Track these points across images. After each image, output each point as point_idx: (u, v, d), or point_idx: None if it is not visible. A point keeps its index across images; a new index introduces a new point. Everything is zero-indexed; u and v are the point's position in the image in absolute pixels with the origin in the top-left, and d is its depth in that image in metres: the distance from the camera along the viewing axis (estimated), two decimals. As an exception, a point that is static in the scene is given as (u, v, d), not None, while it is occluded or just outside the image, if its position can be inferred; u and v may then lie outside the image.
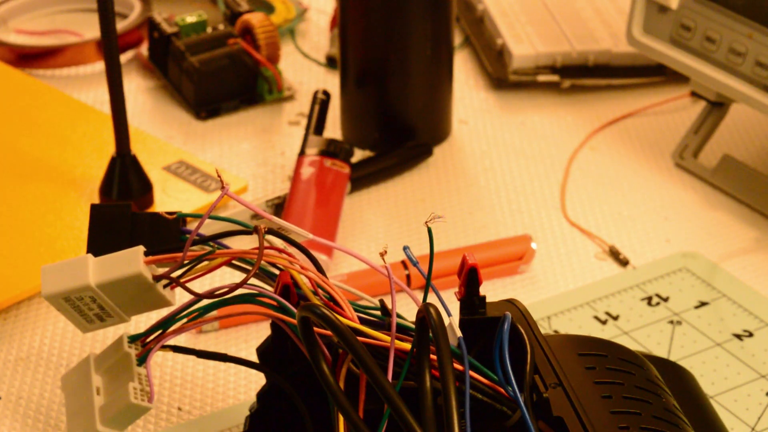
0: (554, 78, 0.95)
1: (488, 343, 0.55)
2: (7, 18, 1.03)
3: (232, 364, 0.69)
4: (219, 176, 0.55)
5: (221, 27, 0.94)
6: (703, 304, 0.75)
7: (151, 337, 0.58)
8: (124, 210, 0.59)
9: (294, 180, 0.82)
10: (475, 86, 0.97)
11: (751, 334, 0.73)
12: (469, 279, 0.56)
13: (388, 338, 0.53)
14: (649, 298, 0.75)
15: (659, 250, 0.80)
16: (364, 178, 0.85)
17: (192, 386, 0.70)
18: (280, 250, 0.56)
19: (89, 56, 0.98)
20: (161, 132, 0.91)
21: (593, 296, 0.76)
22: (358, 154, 0.88)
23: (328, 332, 0.51)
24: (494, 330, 0.55)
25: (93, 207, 0.59)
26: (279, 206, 0.82)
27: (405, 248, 0.54)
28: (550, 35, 0.97)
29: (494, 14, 0.99)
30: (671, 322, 0.74)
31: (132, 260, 0.56)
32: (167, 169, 0.85)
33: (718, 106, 0.86)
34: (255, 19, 0.93)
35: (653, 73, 0.96)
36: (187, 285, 0.56)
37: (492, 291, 0.77)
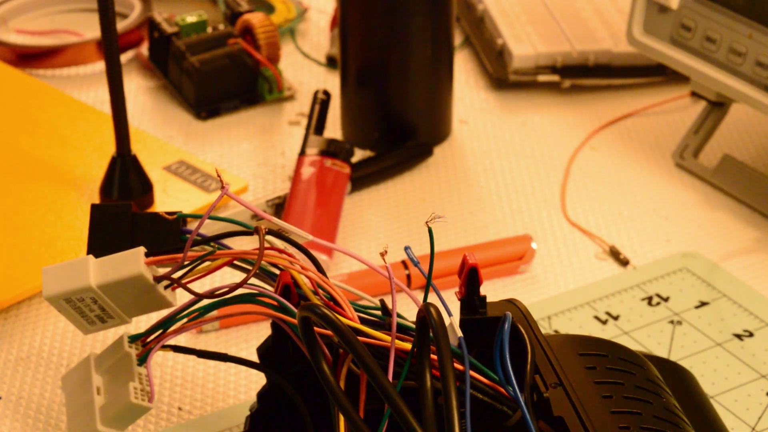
0: (554, 78, 0.95)
1: (489, 343, 0.55)
2: (7, 18, 1.03)
3: (232, 364, 0.69)
4: (219, 176, 0.55)
5: (221, 27, 0.94)
6: (703, 304, 0.75)
7: (152, 336, 0.58)
8: (124, 210, 0.58)
9: (294, 180, 0.82)
10: (475, 86, 0.97)
11: (751, 334, 0.73)
12: (470, 279, 0.56)
13: (388, 338, 0.53)
14: (650, 298, 0.75)
15: (659, 250, 0.80)
16: (364, 178, 0.85)
17: (192, 386, 0.70)
18: (280, 251, 0.56)
19: (89, 56, 0.98)
20: (161, 132, 0.91)
21: (593, 296, 0.76)
22: (358, 154, 0.88)
23: (329, 332, 0.51)
24: (495, 330, 0.55)
25: (93, 207, 0.59)
26: (279, 206, 0.82)
27: (406, 248, 0.54)
28: (550, 35, 0.97)
29: (494, 14, 0.99)
30: (671, 322, 0.74)
31: (133, 261, 0.56)
32: (167, 169, 0.85)
33: (718, 106, 0.86)
34: (255, 19, 0.93)
35: (653, 73, 0.96)
36: (188, 285, 0.56)
37: (492, 291, 0.77)
